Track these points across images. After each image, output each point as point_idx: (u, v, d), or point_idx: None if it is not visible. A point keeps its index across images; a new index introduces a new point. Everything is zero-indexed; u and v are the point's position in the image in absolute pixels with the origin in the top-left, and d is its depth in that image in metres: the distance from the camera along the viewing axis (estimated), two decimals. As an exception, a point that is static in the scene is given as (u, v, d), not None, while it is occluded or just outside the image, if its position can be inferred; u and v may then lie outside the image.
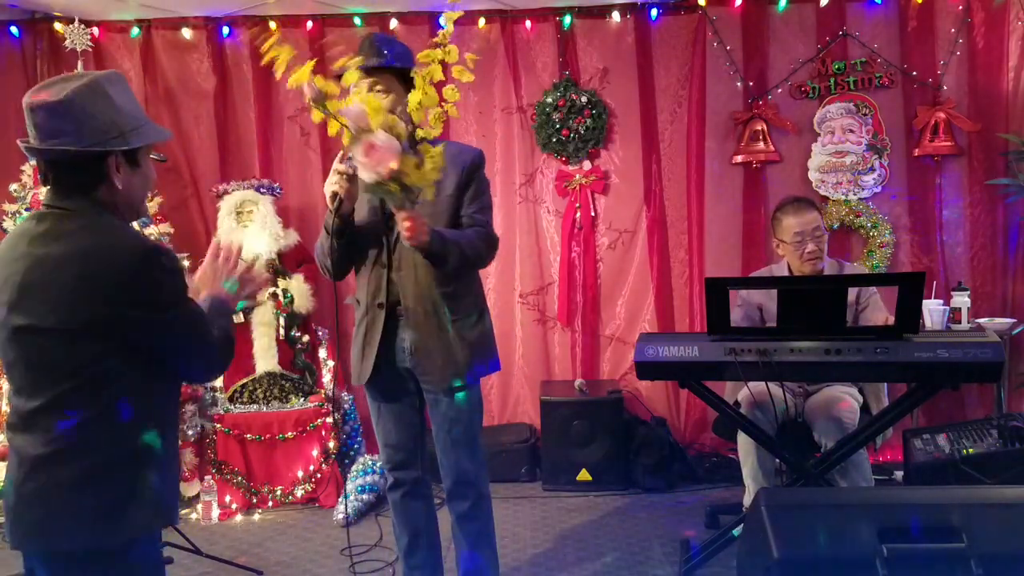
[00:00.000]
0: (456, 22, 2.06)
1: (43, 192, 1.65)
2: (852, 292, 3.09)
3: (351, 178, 2.20)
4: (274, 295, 4.03)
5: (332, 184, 2.23)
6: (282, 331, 4.05)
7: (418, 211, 2.14)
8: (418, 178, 2.04)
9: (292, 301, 4.04)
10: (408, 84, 2.30)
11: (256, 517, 3.84)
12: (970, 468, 3.20)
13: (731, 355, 2.54)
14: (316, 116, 2.13)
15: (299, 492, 3.93)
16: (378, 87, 2.27)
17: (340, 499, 3.78)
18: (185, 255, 4.12)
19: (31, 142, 1.62)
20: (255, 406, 4.00)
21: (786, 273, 3.22)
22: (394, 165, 1.99)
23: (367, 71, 2.25)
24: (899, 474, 3.78)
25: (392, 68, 2.30)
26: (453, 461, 2.40)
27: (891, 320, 2.77)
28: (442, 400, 2.38)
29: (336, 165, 2.23)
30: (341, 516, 3.67)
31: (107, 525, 1.53)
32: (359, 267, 2.42)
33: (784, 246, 3.19)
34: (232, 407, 4.00)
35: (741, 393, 3.13)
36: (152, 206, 4.04)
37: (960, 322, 3.55)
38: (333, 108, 2.05)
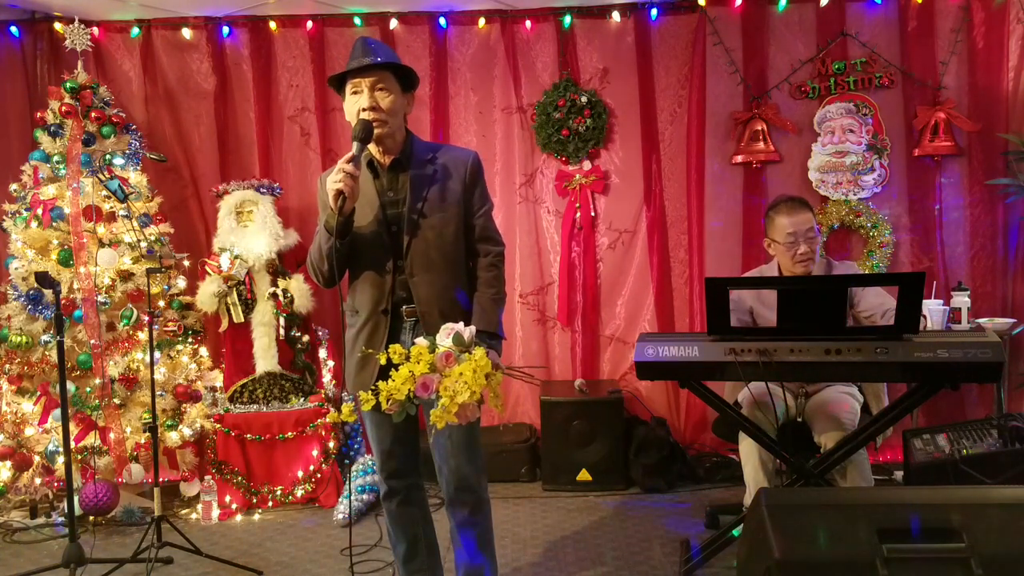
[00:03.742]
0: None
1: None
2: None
3: (355, 176, 2.18)
4: (274, 295, 4.03)
5: (337, 183, 2.15)
6: (282, 331, 4.05)
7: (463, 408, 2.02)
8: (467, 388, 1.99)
9: (292, 301, 4.03)
10: (403, 84, 2.32)
11: (256, 517, 3.84)
12: (970, 468, 3.20)
13: (731, 355, 2.54)
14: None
15: (299, 492, 3.93)
16: (380, 86, 2.26)
17: (340, 499, 3.78)
18: (185, 255, 4.14)
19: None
20: (255, 406, 4.00)
21: (776, 274, 3.21)
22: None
23: (366, 71, 2.24)
24: (899, 474, 3.78)
25: (390, 66, 2.28)
26: (454, 466, 2.37)
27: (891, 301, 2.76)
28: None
29: (342, 164, 2.18)
30: (341, 516, 3.67)
31: None
32: (355, 273, 2.39)
33: (776, 246, 3.15)
34: (232, 407, 4.00)
35: (741, 393, 3.13)
36: (152, 206, 4.04)
37: (960, 322, 3.55)
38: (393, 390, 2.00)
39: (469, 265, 2.43)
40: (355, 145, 2.20)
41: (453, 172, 2.37)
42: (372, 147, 2.31)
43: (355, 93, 2.27)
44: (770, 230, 3.17)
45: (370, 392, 2.00)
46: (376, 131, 2.25)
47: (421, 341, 2.05)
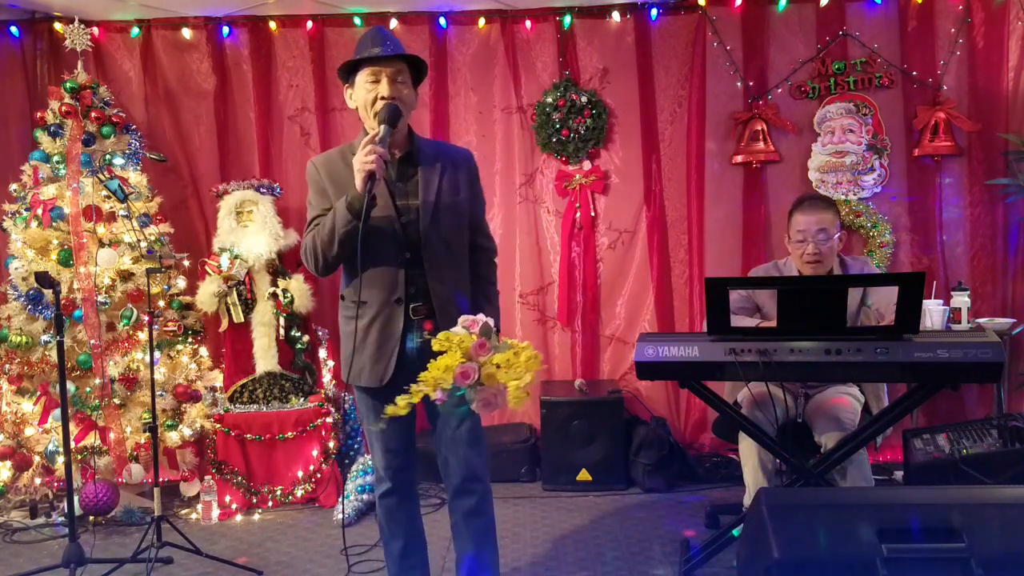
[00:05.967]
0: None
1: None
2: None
3: (384, 158, 2.15)
4: (274, 295, 4.03)
5: (369, 163, 2.10)
6: (282, 331, 4.05)
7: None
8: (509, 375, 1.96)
9: (292, 301, 4.04)
10: (414, 78, 2.33)
11: (256, 517, 3.84)
12: (970, 468, 3.20)
13: (731, 355, 2.54)
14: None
15: (299, 492, 3.93)
16: (400, 78, 2.26)
17: (340, 499, 3.78)
18: (185, 255, 4.14)
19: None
20: (255, 406, 4.00)
21: (794, 270, 3.21)
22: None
23: (388, 60, 2.22)
24: (899, 474, 3.78)
25: (409, 59, 2.29)
26: (461, 459, 2.38)
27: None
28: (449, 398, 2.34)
29: (372, 145, 2.13)
30: (341, 516, 3.67)
31: None
32: (363, 263, 2.29)
33: (790, 243, 3.18)
34: (232, 407, 4.00)
35: (741, 393, 3.13)
36: (152, 206, 4.04)
37: (960, 322, 3.55)
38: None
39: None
40: (382, 128, 2.18)
41: (459, 168, 2.41)
42: None
43: (374, 82, 2.24)
44: (788, 226, 3.19)
45: (417, 385, 1.96)
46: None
47: (458, 329, 2.02)
